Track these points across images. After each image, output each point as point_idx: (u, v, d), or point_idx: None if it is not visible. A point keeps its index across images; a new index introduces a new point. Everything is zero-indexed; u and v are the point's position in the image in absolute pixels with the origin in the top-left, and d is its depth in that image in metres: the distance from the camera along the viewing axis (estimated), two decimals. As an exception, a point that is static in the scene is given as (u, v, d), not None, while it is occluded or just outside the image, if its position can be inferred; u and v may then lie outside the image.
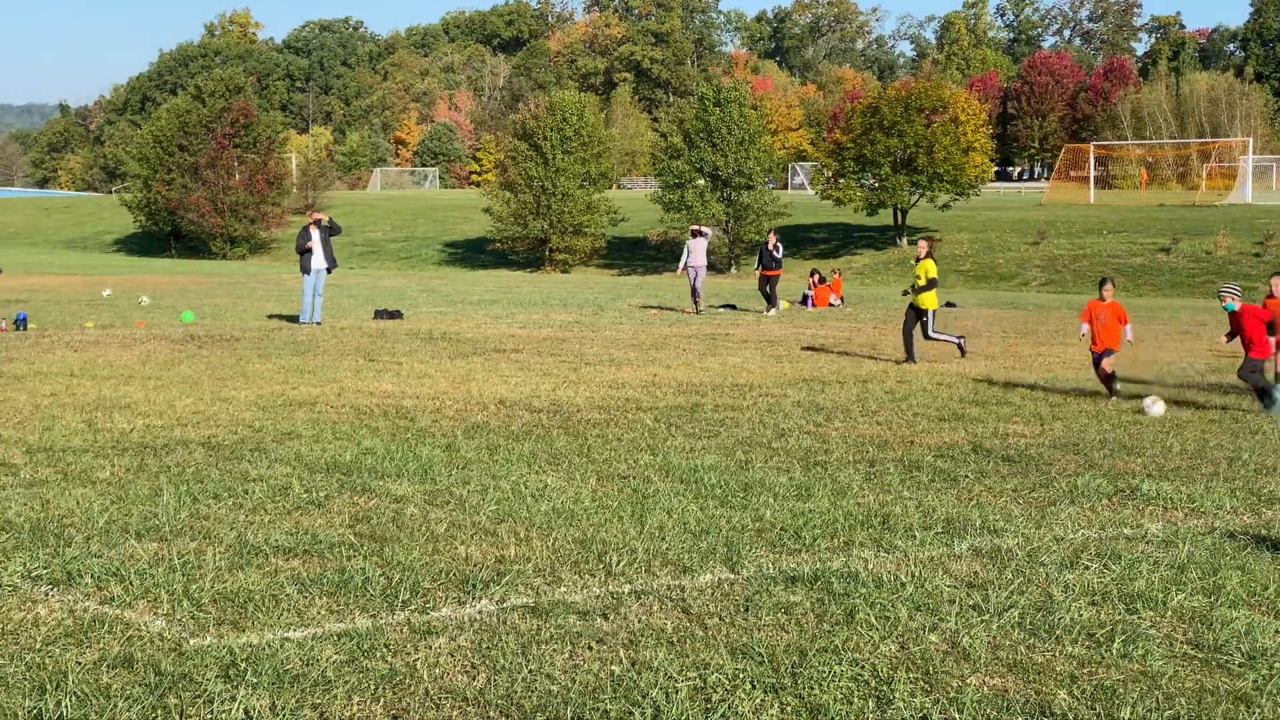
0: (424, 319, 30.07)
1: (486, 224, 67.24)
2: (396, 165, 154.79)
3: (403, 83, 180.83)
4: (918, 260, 22.64)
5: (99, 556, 8.56)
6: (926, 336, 22.31)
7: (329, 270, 28.44)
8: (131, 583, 7.93)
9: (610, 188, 73.87)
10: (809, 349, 23.92)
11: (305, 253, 28.14)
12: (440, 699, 6.19)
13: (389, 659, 6.71)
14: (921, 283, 22.14)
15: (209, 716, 5.85)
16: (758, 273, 35.22)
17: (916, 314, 22.24)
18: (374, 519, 9.90)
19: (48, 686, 6.15)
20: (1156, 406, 16.05)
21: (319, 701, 6.07)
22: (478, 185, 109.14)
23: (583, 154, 65.01)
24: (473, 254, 68.62)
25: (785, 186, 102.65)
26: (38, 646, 6.74)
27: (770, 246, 34.09)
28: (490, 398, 16.85)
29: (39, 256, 62.74)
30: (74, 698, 6.00)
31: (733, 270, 58.29)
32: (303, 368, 19.65)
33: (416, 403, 16.24)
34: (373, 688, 6.29)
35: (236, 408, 15.58)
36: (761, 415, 15.48)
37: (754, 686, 6.44)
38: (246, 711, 5.90)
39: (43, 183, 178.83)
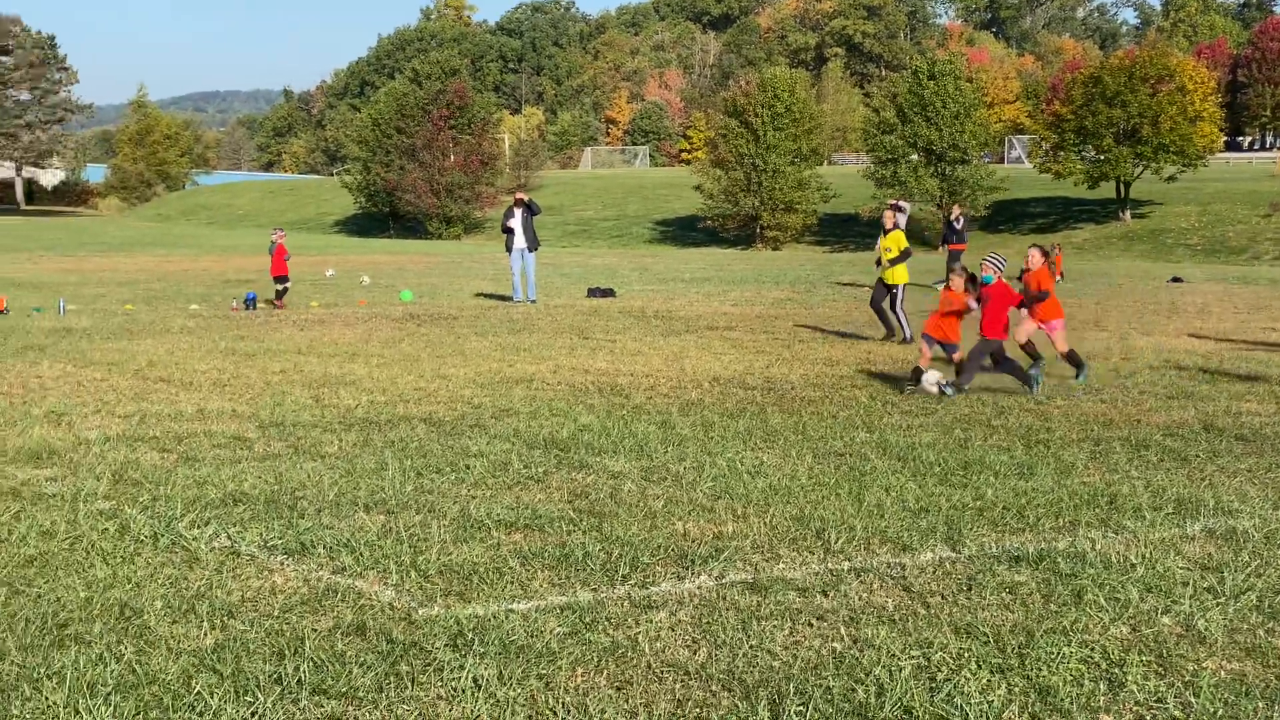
0: (636, 297, 30.28)
1: (697, 202, 67.38)
2: (607, 144, 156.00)
3: (613, 62, 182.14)
4: (885, 232, 21.77)
5: (330, 528, 8.81)
6: (892, 309, 21.57)
7: (531, 250, 28.46)
8: (361, 553, 8.14)
9: (821, 164, 73.36)
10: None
11: (508, 232, 28.44)
12: (663, 672, 6.23)
13: (611, 632, 6.77)
14: (893, 254, 21.45)
15: (439, 684, 5.97)
16: (943, 249, 34.71)
17: (886, 288, 21.50)
18: (592, 494, 9.99)
19: (286, 652, 6.35)
20: (930, 377, 15.19)
21: (544, 672, 6.15)
22: (688, 163, 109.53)
23: (794, 130, 64.71)
24: (683, 232, 68.85)
25: (1001, 160, 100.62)
26: (276, 613, 6.96)
27: (952, 219, 33.50)
28: (704, 375, 16.87)
29: (266, 238, 64.67)
30: (311, 663, 6.18)
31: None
32: (518, 345, 19.95)
33: (631, 380, 16.34)
34: (596, 660, 6.35)
35: (455, 385, 15.89)
36: (979, 393, 15.20)
37: (980, 666, 6.33)
38: (475, 680, 6.01)
39: (268, 166, 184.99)
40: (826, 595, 7.48)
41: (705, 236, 66.05)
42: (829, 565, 8.09)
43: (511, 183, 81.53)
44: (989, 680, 6.16)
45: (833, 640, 6.73)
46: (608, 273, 39.37)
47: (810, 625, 6.98)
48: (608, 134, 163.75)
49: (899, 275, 21.48)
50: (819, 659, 6.47)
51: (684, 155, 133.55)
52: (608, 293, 30.54)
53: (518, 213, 28.31)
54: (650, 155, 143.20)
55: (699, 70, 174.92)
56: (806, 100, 69.97)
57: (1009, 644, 6.62)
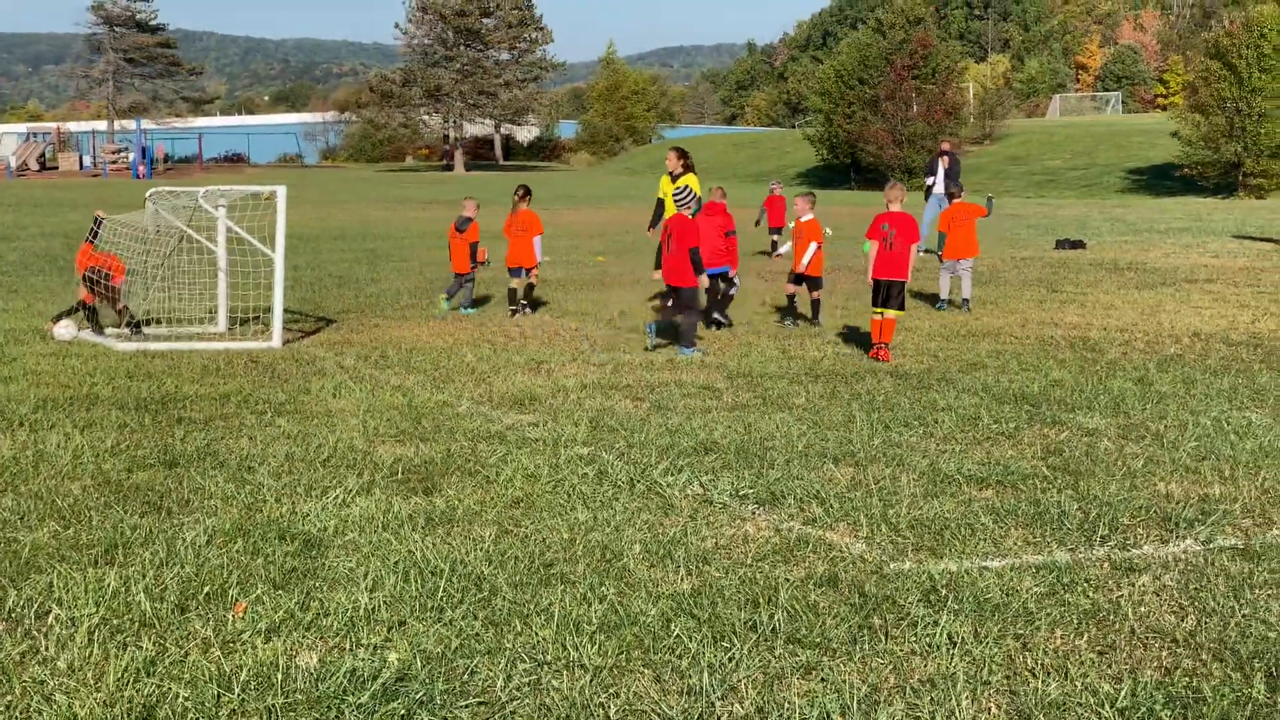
0: (1108, 248, 29.11)
1: (1173, 149, 64.08)
2: (1076, 91, 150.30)
3: (1085, 5, 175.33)
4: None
5: (799, 479, 8.88)
6: None
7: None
8: (831, 505, 8.17)
9: (1314, 106, 68.20)
10: None
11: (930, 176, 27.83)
12: (1147, 638, 5.96)
13: (1091, 594, 6.53)
14: None
15: (913, 639, 5.91)
16: None
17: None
18: (1066, 451, 9.69)
19: (760, 600, 6.44)
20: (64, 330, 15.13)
21: (1021, 632, 6.00)
22: (1163, 109, 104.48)
23: (1282, 71, 60.45)
24: (1157, 180, 65.62)
25: None
26: (749, 561, 7.08)
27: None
28: (1183, 330, 16.08)
29: (733, 191, 65.86)
30: (785, 612, 6.25)
31: None
32: (984, 298, 19.53)
33: (1104, 334, 15.76)
34: (1075, 622, 6.14)
35: (920, 338, 15.73)
36: None
37: None
38: (950, 637, 5.92)
39: (731, 119, 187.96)
40: (1328, 566, 6.98)
41: (1182, 185, 62.70)
42: (1329, 534, 7.55)
43: (976, 132, 79.93)
44: None
45: (1337, 615, 6.28)
46: (1077, 223, 38.01)
47: (1312, 598, 6.53)
48: (1077, 80, 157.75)
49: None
50: (1322, 634, 6.03)
51: (1159, 101, 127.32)
52: (1077, 244, 29.46)
53: (941, 163, 27.53)
54: (1122, 101, 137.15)
55: (1177, 10, 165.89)
56: (1297, 37, 65.16)
57: None
